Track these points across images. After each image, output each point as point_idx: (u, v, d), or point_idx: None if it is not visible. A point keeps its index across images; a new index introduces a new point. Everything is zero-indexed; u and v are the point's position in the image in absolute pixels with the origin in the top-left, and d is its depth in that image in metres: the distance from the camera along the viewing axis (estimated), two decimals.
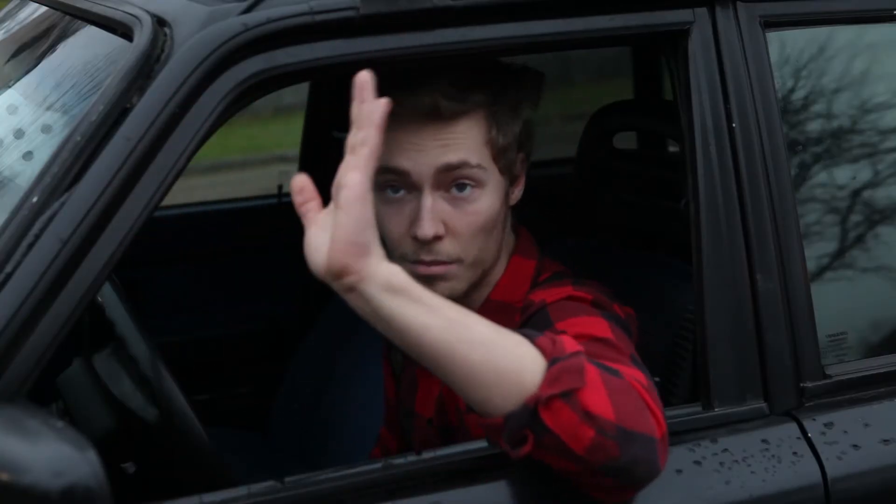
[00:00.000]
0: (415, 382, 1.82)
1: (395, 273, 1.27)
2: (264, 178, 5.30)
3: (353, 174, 1.29)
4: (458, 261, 1.60)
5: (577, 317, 1.51)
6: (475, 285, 1.66)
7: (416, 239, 1.57)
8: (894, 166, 1.81)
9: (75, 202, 1.34)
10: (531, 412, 1.29)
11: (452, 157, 1.57)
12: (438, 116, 1.56)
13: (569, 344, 1.36)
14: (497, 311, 1.65)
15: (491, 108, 1.61)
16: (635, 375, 1.39)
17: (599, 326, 1.49)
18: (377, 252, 1.27)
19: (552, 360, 1.31)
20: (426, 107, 1.55)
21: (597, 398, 1.30)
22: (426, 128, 1.57)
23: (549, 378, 1.29)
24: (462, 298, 1.64)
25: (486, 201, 1.60)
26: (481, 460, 1.50)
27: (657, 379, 1.56)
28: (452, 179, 1.58)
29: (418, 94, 1.56)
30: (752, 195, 1.62)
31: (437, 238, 1.57)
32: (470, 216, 1.59)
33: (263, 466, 2.30)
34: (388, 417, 2.01)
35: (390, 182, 1.59)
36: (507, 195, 1.65)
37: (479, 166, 1.59)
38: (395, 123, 1.50)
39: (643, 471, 1.35)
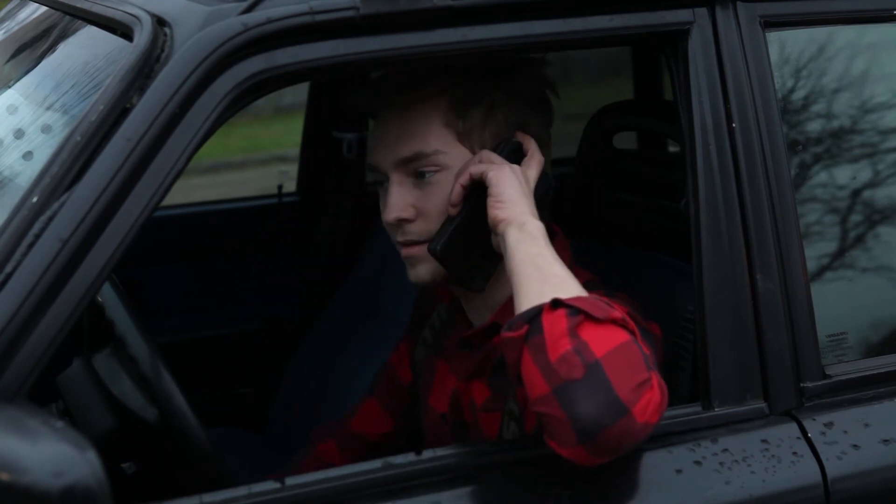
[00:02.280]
0: (432, 376, 1.83)
1: (529, 222, 1.53)
2: (264, 178, 5.31)
3: (477, 165, 1.61)
4: (429, 236, 1.66)
5: None
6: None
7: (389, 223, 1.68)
8: (894, 166, 1.81)
9: (75, 202, 1.34)
10: (539, 310, 1.39)
11: (406, 150, 1.65)
12: (397, 108, 1.66)
13: (625, 314, 1.41)
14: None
15: (451, 92, 1.65)
16: (663, 385, 1.41)
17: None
18: (520, 210, 1.54)
19: (591, 296, 1.41)
20: (385, 101, 1.67)
21: (599, 336, 1.36)
22: (390, 121, 1.68)
23: (574, 298, 1.40)
24: (476, 293, 1.68)
25: (451, 182, 1.64)
26: (482, 461, 1.50)
27: None
28: (413, 169, 1.66)
29: (379, 89, 1.67)
30: (752, 195, 1.62)
31: (407, 221, 1.67)
32: (436, 197, 1.65)
33: (263, 466, 2.30)
34: (393, 400, 2.01)
35: (374, 178, 1.72)
36: None
37: (436, 152, 1.65)
38: (374, 121, 1.70)
39: (591, 416, 1.33)
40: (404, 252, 1.69)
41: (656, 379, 1.38)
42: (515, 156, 1.65)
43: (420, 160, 1.65)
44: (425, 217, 1.66)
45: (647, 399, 1.35)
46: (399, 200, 1.66)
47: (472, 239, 1.62)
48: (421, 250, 1.66)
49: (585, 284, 1.67)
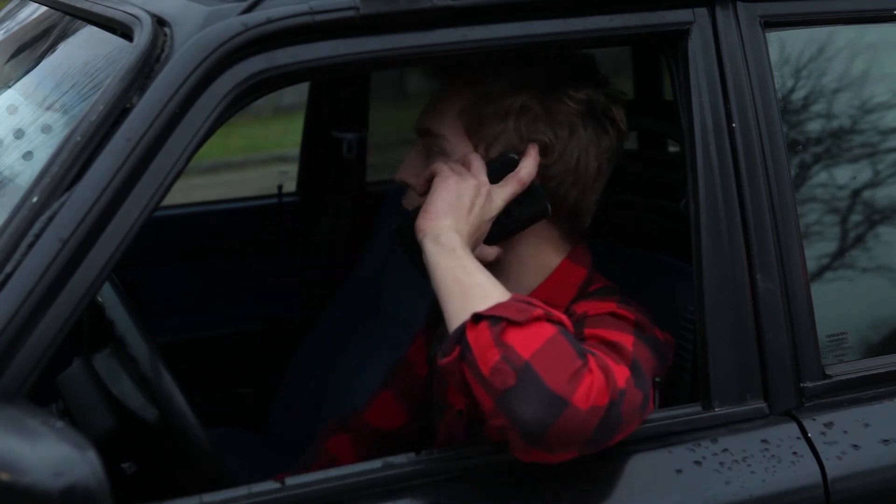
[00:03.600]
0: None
1: (444, 234, 1.53)
2: (264, 178, 5.30)
3: (440, 165, 1.62)
4: None
5: (607, 328, 1.53)
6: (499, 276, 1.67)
7: None
8: (894, 166, 1.81)
9: (75, 202, 1.34)
10: (463, 328, 1.41)
11: (423, 122, 1.69)
12: (442, 84, 1.69)
13: (547, 308, 1.42)
14: None
15: (480, 86, 1.65)
16: (611, 367, 1.40)
17: (620, 336, 1.50)
18: (447, 221, 1.54)
19: (511, 300, 1.42)
20: (443, 73, 1.70)
21: (524, 337, 1.37)
22: (433, 92, 1.71)
23: (491, 307, 1.41)
24: None
25: None
26: (481, 461, 1.50)
27: (657, 379, 1.56)
28: (427, 144, 1.69)
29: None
30: (752, 195, 1.62)
31: (410, 186, 1.69)
32: None
33: (263, 466, 2.30)
34: (408, 393, 2.01)
35: None
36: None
37: (441, 136, 1.67)
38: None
39: (533, 418, 1.34)
40: None
41: (595, 362, 1.39)
42: (506, 171, 1.63)
43: (428, 136, 1.68)
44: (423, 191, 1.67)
45: (587, 384, 1.36)
46: (409, 164, 1.70)
47: None
48: None
49: (604, 289, 1.68)
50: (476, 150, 1.66)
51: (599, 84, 1.70)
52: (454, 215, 1.56)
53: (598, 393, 1.36)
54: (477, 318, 1.40)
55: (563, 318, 1.43)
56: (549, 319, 1.40)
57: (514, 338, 1.37)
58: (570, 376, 1.35)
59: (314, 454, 2.04)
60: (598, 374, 1.38)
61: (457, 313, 1.44)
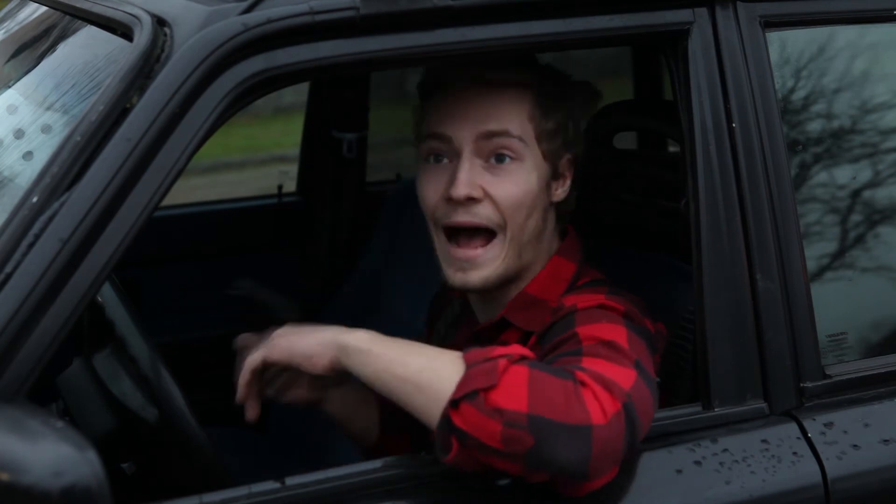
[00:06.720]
0: None
1: (339, 339, 1.50)
2: (264, 178, 5.31)
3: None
4: (498, 228, 1.62)
5: (598, 323, 1.52)
6: (512, 279, 1.67)
7: (450, 200, 1.62)
8: (894, 166, 1.81)
9: (75, 202, 1.34)
10: (447, 418, 1.37)
11: (494, 124, 1.62)
12: (484, 85, 1.63)
13: (501, 351, 1.40)
14: (528, 304, 1.68)
15: (537, 90, 1.65)
16: (603, 372, 1.39)
17: (614, 332, 1.50)
18: (320, 338, 1.52)
19: (467, 367, 1.39)
20: (472, 75, 1.63)
21: (508, 394, 1.35)
22: (472, 96, 1.64)
23: (459, 384, 1.38)
24: (496, 291, 1.68)
25: (523, 176, 1.63)
26: None
27: (657, 380, 1.56)
28: (493, 149, 1.63)
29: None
30: (752, 195, 1.62)
31: (474, 200, 1.62)
32: (508, 185, 1.62)
33: (263, 466, 2.30)
34: None
35: (434, 149, 1.66)
36: (547, 185, 1.67)
37: (519, 138, 1.63)
38: (443, 92, 1.65)
39: (572, 458, 1.33)
40: (467, 254, 1.64)
41: (581, 373, 1.38)
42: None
43: (504, 138, 1.62)
44: (495, 203, 1.62)
45: (590, 398, 1.36)
46: (473, 175, 1.61)
47: None
48: (485, 251, 1.63)
49: (593, 282, 1.68)
50: (544, 159, 1.65)
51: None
52: (312, 330, 1.53)
53: (606, 400, 1.36)
54: (454, 403, 1.37)
55: (520, 348, 1.42)
56: (512, 360, 1.39)
57: (499, 399, 1.35)
58: (571, 401, 1.34)
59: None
60: (591, 382, 1.37)
61: (426, 407, 1.40)
